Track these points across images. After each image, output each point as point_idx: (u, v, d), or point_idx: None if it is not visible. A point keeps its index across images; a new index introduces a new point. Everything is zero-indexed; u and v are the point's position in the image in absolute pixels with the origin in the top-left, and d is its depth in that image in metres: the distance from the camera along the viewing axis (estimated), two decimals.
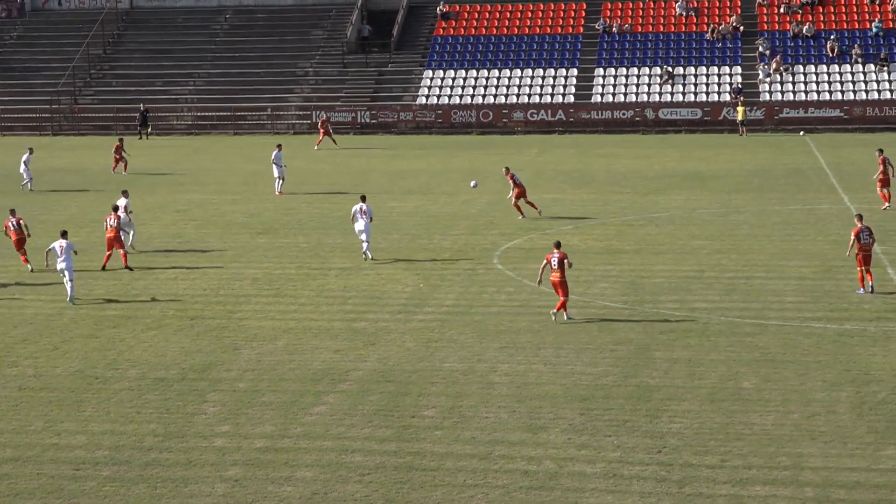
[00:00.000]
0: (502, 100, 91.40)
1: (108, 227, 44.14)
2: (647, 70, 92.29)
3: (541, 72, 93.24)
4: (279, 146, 63.43)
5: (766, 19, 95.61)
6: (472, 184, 52.90)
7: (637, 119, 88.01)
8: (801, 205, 54.91)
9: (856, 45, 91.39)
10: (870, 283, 38.28)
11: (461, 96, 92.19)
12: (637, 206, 55.51)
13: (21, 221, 45.01)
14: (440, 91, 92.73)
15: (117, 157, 70.12)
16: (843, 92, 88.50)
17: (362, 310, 37.59)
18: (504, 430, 26.71)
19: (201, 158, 77.62)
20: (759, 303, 37.43)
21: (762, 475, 23.89)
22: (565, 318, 35.50)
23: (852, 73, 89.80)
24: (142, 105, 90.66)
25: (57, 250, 39.69)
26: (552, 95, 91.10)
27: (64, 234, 40.57)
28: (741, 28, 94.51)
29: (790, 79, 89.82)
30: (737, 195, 58.01)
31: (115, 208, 45.13)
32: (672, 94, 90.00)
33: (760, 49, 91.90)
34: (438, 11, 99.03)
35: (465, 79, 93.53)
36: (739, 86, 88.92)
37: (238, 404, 28.80)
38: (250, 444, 26.21)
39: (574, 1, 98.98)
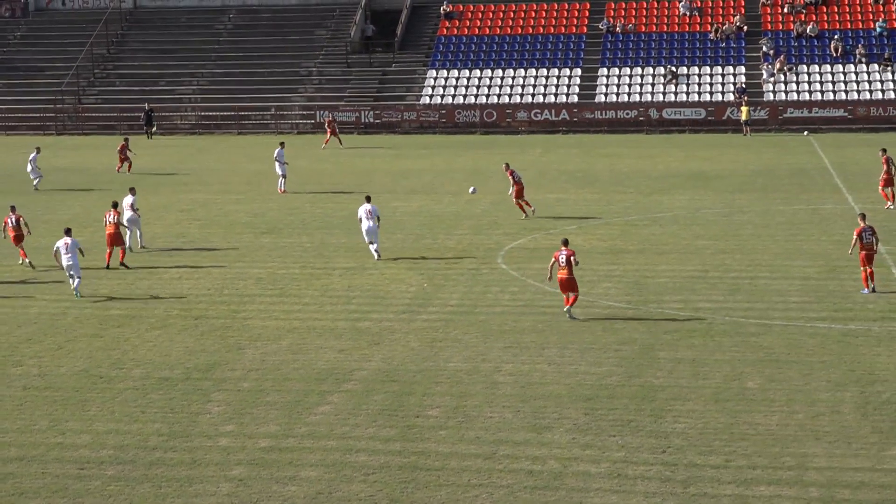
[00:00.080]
0: (506, 99, 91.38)
1: (108, 223, 44.26)
2: (650, 70, 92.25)
3: (544, 71, 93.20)
4: (282, 144, 63.56)
5: (769, 19, 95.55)
6: (471, 190, 52.88)
7: (641, 119, 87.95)
8: (805, 205, 54.89)
9: (860, 45, 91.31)
10: (871, 285, 38.28)
11: (465, 96, 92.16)
12: (641, 205, 55.49)
13: (21, 219, 45.19)
14: (444, 91, 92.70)
15: (122, 156, 70.11)
16: (846, 92, 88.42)
17: (366, 309, 37.60)
18: (508, 430, 26.72)
19: (205, 158, 77.65)
20: (763, 303, 37.42)
21: (767, 475, 23.89)
22: (565, 309, 35.61)
23: (856, 73, 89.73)
24: (146, 105, 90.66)
25: (62, 248, 39.87)
26: (556, 95, 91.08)
27: (68, 232, 40.74)
28: (745, 28, 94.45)
29: (794, 79, 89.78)
30: (741, 195, 57.98)
31: (115, 204, 45.25)
32: (676, 93, 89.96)
33: (764, 49, 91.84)
34: (442, 11, 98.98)
35: (468, 78, 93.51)
36: (743, 86, 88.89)
37: (242, 404, 28.81)
38: (255, 443, 26.23)
39: (578, 1, 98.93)
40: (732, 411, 27.57)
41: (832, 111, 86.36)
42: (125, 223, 46.80)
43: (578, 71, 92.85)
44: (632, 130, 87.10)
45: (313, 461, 25.16)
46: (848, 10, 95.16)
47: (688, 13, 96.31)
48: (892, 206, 52.75)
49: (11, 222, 45.03)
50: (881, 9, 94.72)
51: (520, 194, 52.56)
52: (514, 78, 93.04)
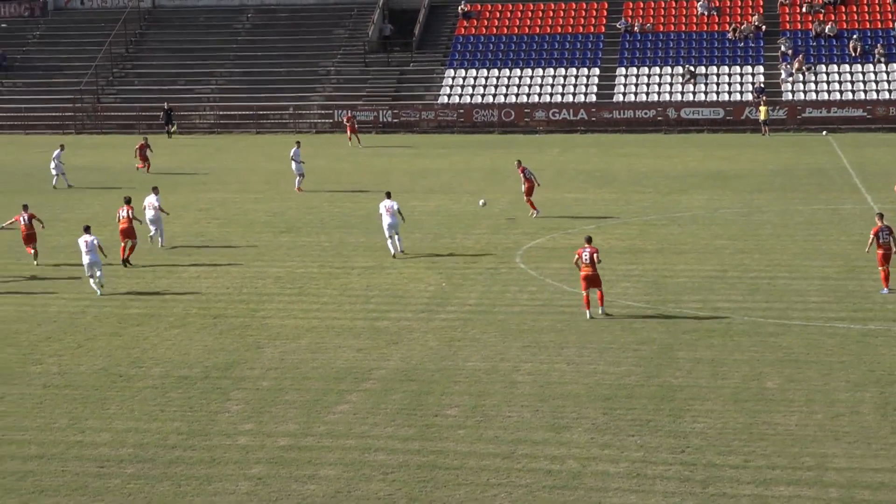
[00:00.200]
0: (524, 99, 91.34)
1: (121, 218, 44.54)
2: (668, 69, 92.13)
3: (562, 71, 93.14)
4: (298, 143, 63.68)
5: (788, 19, 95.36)
6: (481, 202, 52.83)
7: (659, 119, 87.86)
8: (825, 204, 54.78)
9: (878, 45, 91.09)
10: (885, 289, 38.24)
11: (483, 95, 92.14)
12: (659, 205, 55.43)
13: (33, 217, 45.44)
14: (462, 90, 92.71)
15: (142, 155, 70.17)
16: (865, 91, 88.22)
17: (385, 309, 37.62)
18: (527, 430, 26.71)
19: (224, 157, 77.76)
20: (782, 303, 37.36)
21: (786, 475, 23.85)
22: (600, 311, 35.70)
23: (875, 73, 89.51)
24: (165, 104, 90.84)
25: (82, 246, 40.15)
26: (574, 95, 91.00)
27: (87, 230, 40.96)
28: (763, 27, 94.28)
29: (812, 78, 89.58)
30: (759, 195, 57.88)
31: (128, 200, 45.46)
32: (694, 93, 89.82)
33: (783, 48, 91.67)
34: (460, 10, 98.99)
35: (486, 78, 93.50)
36: (762, 85, 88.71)
37: (261, 402, 28.86)
38: (274, 442, 26.26)
39: (596, 0, 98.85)
40: (751, 411, 27.53)
41: (851, 111, 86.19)
42: (148, 222, 47.15)
43: (596, 70, 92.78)
44: (650, 130, 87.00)
45: (332, 460, 25.18)
46: (867, 9, 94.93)
47: (706, 13, 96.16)
48: None
49: (24, 221, 45.26)
50: None
51: (529, 192, 52.68)
52: (532, 77, 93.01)
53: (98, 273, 40.22)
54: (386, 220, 45.36)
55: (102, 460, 25.43)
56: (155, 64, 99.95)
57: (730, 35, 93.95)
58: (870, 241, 38.76)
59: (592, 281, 35.71)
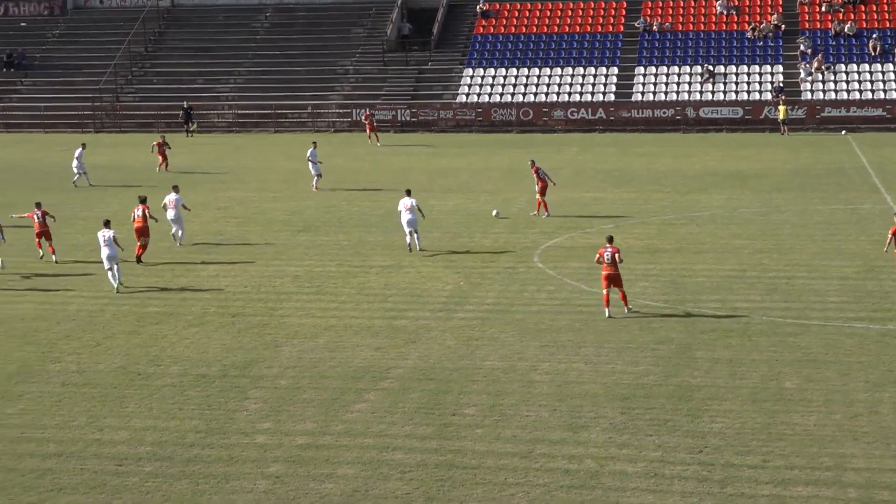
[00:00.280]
0: (542, 98, 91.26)
1: (136, 217, 44.72)
2: (687, 69, 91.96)
3: (581, 70, 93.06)
4: (314, 144, 63.80)
5: (807, 18, 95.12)
6: (494, 213, 52.74)
7: (678, 118, 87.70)
8: (844, 204, 54.64)
9: None
10: None
11: (501, 94, 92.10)
12: (678, 205, 55.35)
13: (46, 214, 45.77)
14: (480, 89, 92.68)
15: (162, 154, 70.20)
16: (885, 91, 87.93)
17: (403, 308, 37.64)
18: (545, 429, 26.70)
19: (242, 156, 77.85)
20: (800, 303, 37.28)
21: (804, 476, 23.81)
22: (625, 310, 35.71)
23: (895, 73, 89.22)
24: (185, 102, 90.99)
25: (101, 240, 40.48)
26: (592, 94, 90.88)
27: (107, 224, 41.37)
28: (782, 26, 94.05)
29: (832, 77, 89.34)
30: (778, 194, 57.76)
31: (143, 199, 45.63)
32: (713, 92, 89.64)
33: (802, 48, 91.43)
34: (478, 9, 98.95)
35: (505, 77, 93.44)
36: (781, 85, 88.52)
37: (279, 401, 28.89)
38: (291, 440, 26.30)
39: None
40: (770, 411, 27.48)
41: (870, 110, 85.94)
42: (170, 221, 47.43)
43: (615, 70, 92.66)
44: (669, 129, 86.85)
45: (350, 459, 25.20)
46: (886, 8, 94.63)
47: (725, 12, 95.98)
48: None
49: (37, 218, 45.54)
50: None
51: (543, 192, 52.66)
52: (550, 76, 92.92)
53: (116, 268, 40.45)
54: (405, 216, 45.50)
55: (121, 458, 25.49)
56: (174, 63, 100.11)
57: (749, 34, 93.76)
58: (888, 240, 38.69)
59: (613, 280, 35.75)
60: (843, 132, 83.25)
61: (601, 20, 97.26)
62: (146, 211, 45.05)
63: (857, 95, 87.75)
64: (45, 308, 38.43)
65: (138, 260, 44.52)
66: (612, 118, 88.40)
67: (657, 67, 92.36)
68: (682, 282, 40.29)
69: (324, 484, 23.99)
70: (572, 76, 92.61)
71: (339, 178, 65.15)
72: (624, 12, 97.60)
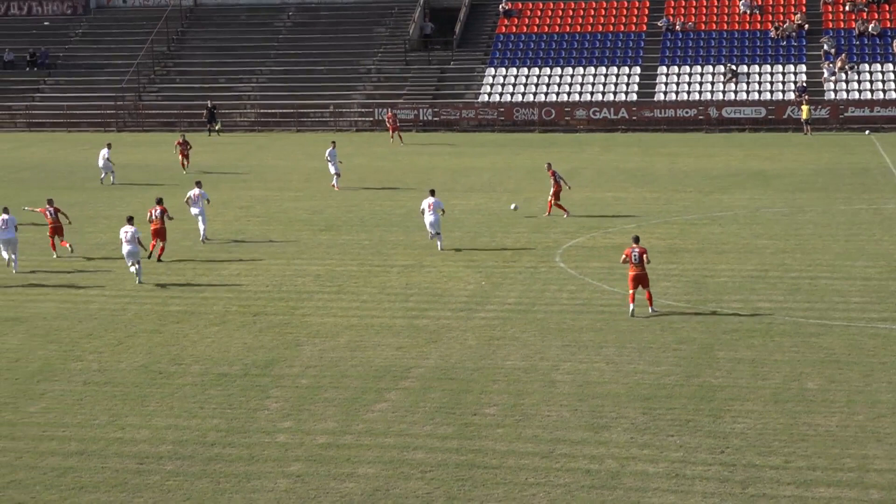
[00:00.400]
0: (565, 98, 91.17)
1: (154, 218, 44.81)
2: (710, 68, 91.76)
3: (603, 70, 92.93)
4: (333, 143, 63.83)
5: (830, 17, 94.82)
6: (513, 206, 52.67)
7: (700, 117, 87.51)
8: (867, 204, 54.44)
9: None
10: None
11: (523, 94, 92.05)
12: (700, 204, 55.22)
13: (59, 211, 46.10)
14: (502, 89, 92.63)
15: (183, 153, 70.27)
16: None
17: (424, 307, 37.62)
18: (566, 429, 26.65)
19: (264, 155, 77.95)
20: (823, 303, 37.15)
21: (827, 477, 23.71)
22: (649, 311, 35.65)
23: None
24: (209, 102, 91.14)
25: (123, 236, 40.83)
26: (615, 93, 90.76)
27: (130, 220, 41.68)
28: (806, 26, 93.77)
29: (855, 77, 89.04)
30: (801, 194, 57.59)
31: (160, 200, 45.79)
32: (736, 92, 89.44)
33: (825, 47, 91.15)
34: (501, 9, 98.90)
35: (527, 76, 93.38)
36: (804, 84, 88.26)
37: (300, 400, 28.90)
38: (312, 440, 26.29)
39: None
40: (792, 412, 27.38)
41: (894, 110, 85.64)
42: (194, 215, 48.15)
43: (637, 69, 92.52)
44: (691, 129, 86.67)
45: (371, 458, 25.19)
46: None
47: (748, 11, 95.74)
48: None
49: (50, 214, 45.87)
50: None
51: (557, 195, 52.55)
52: (572, 76, 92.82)
53: (138, 267, 40.76)
54: (427, 218, 45.50)
55: (142, 457, 25.52)
56: (196, 62, 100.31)
57: (772, 34, 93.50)
58: None
59: (640, 280, 35.68)
60: (867, 132, 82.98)
61: (624, 19, 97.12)
62: (165, 214, 45.09)
63: (880, 95, 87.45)
64: (67, 307, 38.53)
65: (158, 259, 44.59)
66: (634, 118, 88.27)
67: (680, 67, 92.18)
68: (704, 282, 40.19)
69: (344, 483, 23.98)
70: (594, 76, 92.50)
71: (361, 177, 65.18)
72: (647, 11, 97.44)
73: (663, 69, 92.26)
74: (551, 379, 30.19)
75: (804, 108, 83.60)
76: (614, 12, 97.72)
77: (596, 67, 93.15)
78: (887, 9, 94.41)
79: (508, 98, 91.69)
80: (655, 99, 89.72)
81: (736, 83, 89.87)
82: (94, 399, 29.38)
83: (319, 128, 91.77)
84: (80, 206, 56.57)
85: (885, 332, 33.81)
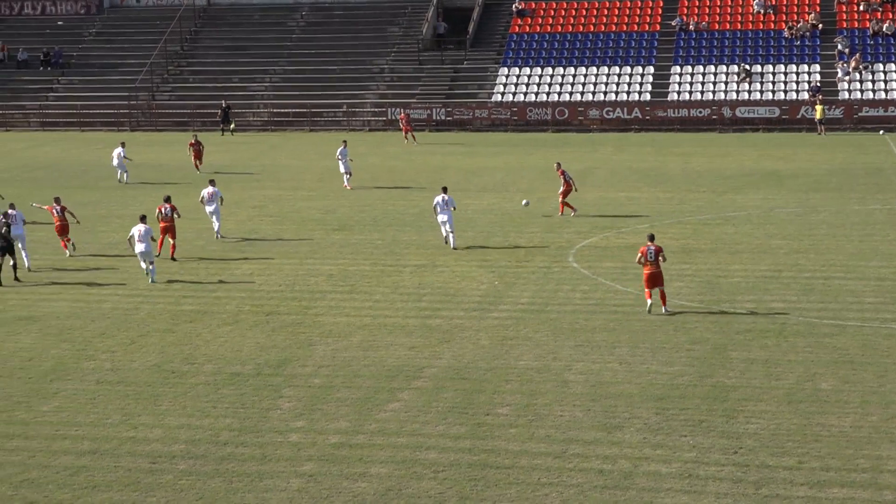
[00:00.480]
0: (578, 97, 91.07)
1: (164, 216, 44.87)
2: (724, 68, 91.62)
3: (617, 69, 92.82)
4: (344, 142, 63.87)
5: (844, 17, 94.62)
6: (525, 202, 52.62)
7: (714, 117, 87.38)
8: (881, 204, 54.31)
9: None
10: None
11: (537, 94, 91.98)
12: (714, 204, 55.13)
13: (65, 209, 46.22)
14: (515, 88, 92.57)
15: (196, 153, 70.26)
16: None
17: (437, 307, 37.59)
18: (579, 429, 26.61)
19: (277, 155, 77.99)
20: (837, 303, 37.05)
21: (840, 477, 23.64)
22: (663, 311, 35.57)
23: None
24: (223, 101, 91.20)
25: (136, 235, 40.92)
26: (628, 93, 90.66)
27: (143, 219, 41.78)
28: (820, 26, 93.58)
29: (869, 77, 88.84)
30: (815, 194, 57.47)
31: (167, 198, 45.88)
32: (749, 92, 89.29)
33: (839, 47, 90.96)
34: (514, 8, 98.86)
35: (540, 76, 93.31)
36: (818, 84, 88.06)
37: (313, 400, 28.89)
38: (325, 439, 26.28)
39: None
40: (806, 412, 27.31)
41: None
42: (209, 213, 48.55)
43: (651, 69, 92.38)
44: (705, 129, 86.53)
45: (383, 458, 25.17)
46: None
47: (762, 11, 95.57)
48: None
49: (57, 212, 46.06)
50: None
51: (566, 194, 52.52)
52: (586, 76, 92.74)
53: (151, 266, 40.86)
54: (441, 217, 45.55)
55: (154, 456, 25.53)
56: (209, 62, 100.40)
57: (786, 33, 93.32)
58: None
59: (655, 279, 35.64)
60: (881, 132, 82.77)
61: (637, 19, 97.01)
62: (174, 212, 45.21)
63: (895, 95, 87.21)
64: (80, 306, 38.57)
65: (171, 257, 44.68)
66: (647, 118, 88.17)
67: (693, 67, 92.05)
68: (717, 282, 40.12)
69: (357, 483, 23.96)
70: (608, 75, 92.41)
71: (374, 176, 65.17)
72: (660, 11, 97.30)
73: (677, 69, 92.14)
74: (564, 379, 30.15)
75: (818, 107, 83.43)
76: (627, 12, 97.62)
77: (609, 67, 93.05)
78: None
79: (521, 98, 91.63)
80: (669, 99, 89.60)
81: (750, 83, 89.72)
82: (107, 398, 29.40)
83: (332, 127, 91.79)
84: (93, 205, 56.68)
85: None
